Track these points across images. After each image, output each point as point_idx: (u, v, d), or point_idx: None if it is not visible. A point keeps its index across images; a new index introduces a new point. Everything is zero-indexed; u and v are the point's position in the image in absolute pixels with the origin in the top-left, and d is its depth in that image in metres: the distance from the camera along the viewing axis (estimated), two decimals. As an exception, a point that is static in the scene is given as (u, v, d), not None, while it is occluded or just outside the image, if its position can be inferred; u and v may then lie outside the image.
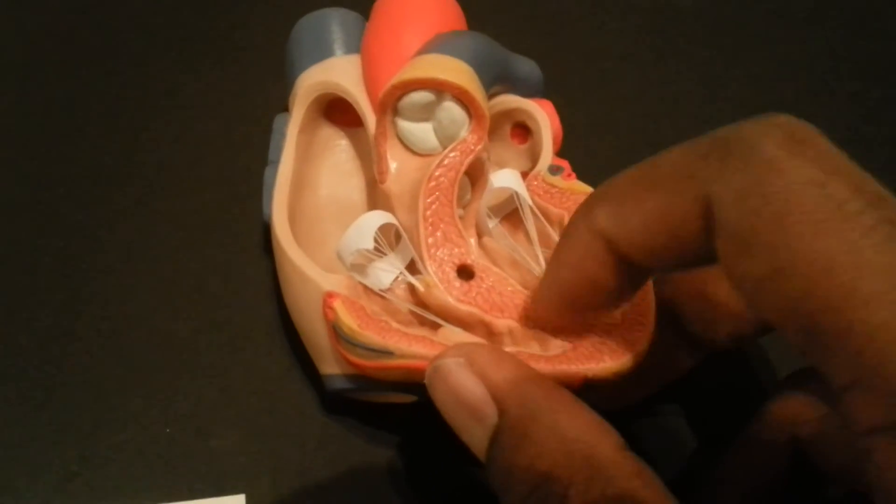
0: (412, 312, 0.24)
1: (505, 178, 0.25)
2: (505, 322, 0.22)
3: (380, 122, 0.25)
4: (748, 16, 0.38)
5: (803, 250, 0.15)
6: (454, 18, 0.27)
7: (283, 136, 0.28)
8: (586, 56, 0.36)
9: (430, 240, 0.24)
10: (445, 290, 0.23)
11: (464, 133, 0.25)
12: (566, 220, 0.25)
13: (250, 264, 0.30)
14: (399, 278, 0.24)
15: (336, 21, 0.28)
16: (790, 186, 0.15)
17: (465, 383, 0.19)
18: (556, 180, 0.26)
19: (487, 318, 0.22)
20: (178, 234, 0.31)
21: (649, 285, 0.23)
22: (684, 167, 0.17)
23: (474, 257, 0.24)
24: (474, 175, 0.26)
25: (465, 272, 0.24)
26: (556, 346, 0.22)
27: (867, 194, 0.15)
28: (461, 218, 0.25)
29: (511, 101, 0.27)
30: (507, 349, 0.22)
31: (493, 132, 0.27)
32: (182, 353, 0.28)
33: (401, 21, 0.26)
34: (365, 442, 0.27)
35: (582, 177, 0.26)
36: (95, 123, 0.34)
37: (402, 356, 0.22)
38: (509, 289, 0.23)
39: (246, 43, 0.37)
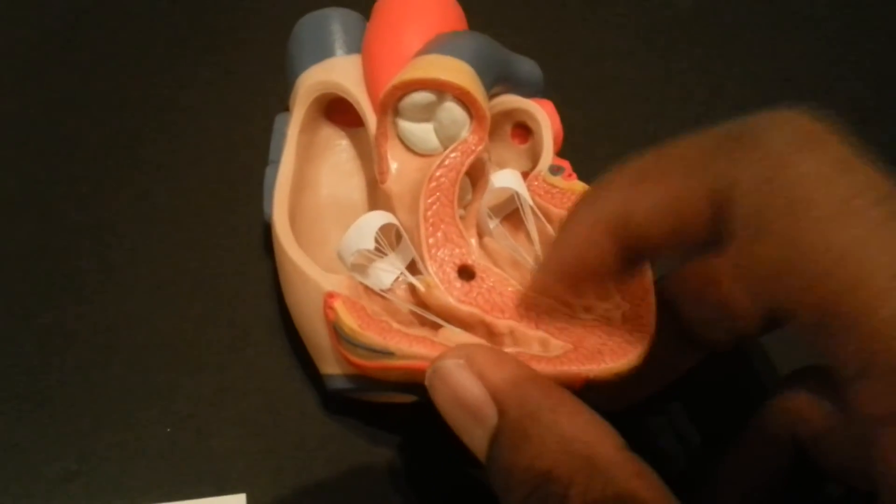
0: (413, 313, 0.24)
1: (506, 179, 0.25)
2: (506, 322, 0.22)
3: (380, 123, 0.25)
4: (748, 16, 0.38)
5: (815, 241, 0.15)
6: (455, 18, 0.27)
7: (283, 135, 0.28)
8: (587, 56, 0.36)
9: (431, 240, 0.24)
10: (446, 290, 0.23)
11: (465, 133, 0.25)
12: (567, 219, 0.25)
13: (251, 264, 0.30)
14: (400, 279, 0.24)
15: (337, 21, 0.28)
16: (801, 179, 0.16)
17: (465, 384, 0.19)
18: (557, 180, 0.26)
19: (488, 318, 0.22)
20: (178, 234, 0.31)
21: (650, 286, 0.23)
22: (697, 156, 0.18)
23: (475, 258, 0.24)
24: (475, 175, 0.26)
25: (465, 272, 0.24)
26: (557, 346, 0.22)
27: (877, 189, 0.15)
28: (462, 218, 0.25)
29: (512, 101, 0.27)
30: (508, 350, 0.22)
31: (493, 132, 0.27)
32: (182, 353, 0.28)
33: (401, 21, 0.26)
34: (365, 442, 0.27)
35: (582, 177, 0.26)
36: (96, 123, 0.34)
37: (403, 356, 0.22)
38: (510, 289, 0.23)
39: (246, 43, 0.37)
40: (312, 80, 0.27)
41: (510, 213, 0.26)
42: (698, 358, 0.24)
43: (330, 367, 0.24)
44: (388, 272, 0.24)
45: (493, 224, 0.26)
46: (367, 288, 0.24)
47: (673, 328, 0.24)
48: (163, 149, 0.33)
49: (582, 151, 0.28)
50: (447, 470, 0.26)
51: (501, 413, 0.19)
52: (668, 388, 0.25)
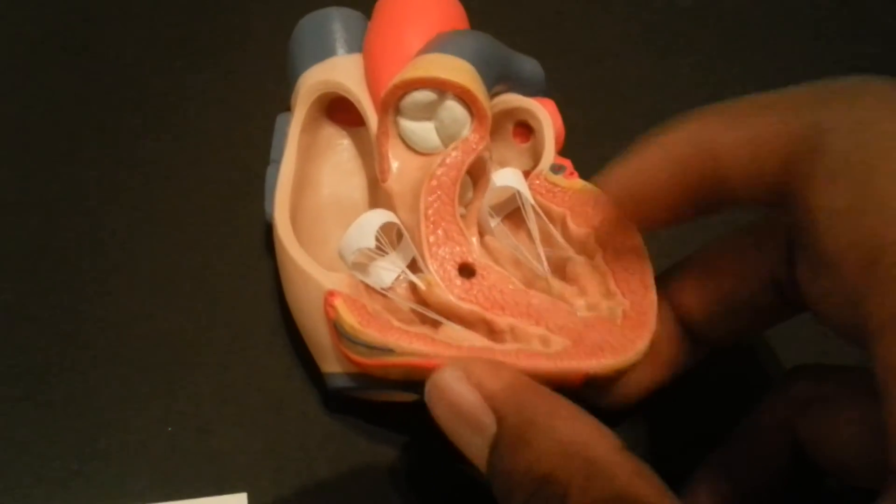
0: (413, 311, 0.24)
1: (507, 177, 0.25)
2: (506, 320, 0.22)
3: (382, 122, 0.25)
4: (748, 15, 0.38)
5: (885, 192, 0.16)
6: (456, 17, 0.27)
7: (284, 135, 0.28)
8: (588, 55, 0.36)
9: (432, 238, 0.24)
10: (447, 288, 0.23)
11: (466, 132, 0.25)
12: (568, 218, 0.25)
13: (251, 264, 0.30)
14: (400, 277, 0.24)
15: (338, 20, 0.28)
16: (885, 135, 0.16)
17: (463, 395, 0.20)
18: (559, 179, 0.26)
19: (489, 316, 0.22)
20: (178, 233, 0.31)
21: (651, 282, 0.23)
22: (790, 103, 0.18)
23: (476, 256, 0.24)
24: (476, 174, 0.26)
25: (466, 270, 0.24)
26: (558, 343, 0.22)
27: None
28: (463, 217, 0.25)
29: (513, 100, 0.27)
30: (509, 347, 0.22)
31: (495, 131, 0.27)
32: (183, 352, 0.28)
33: (403, 20, 0.26)
34: (366, 440, 0.27)
35: (584, 175, 0.26)
36: (96, 123, 0.34)
37: (403, 354, 0.22)
38: (510, 287, 0.23)
39: (248, 42, 0.37)
40: (314, 80, 0.27)
41: (511, 211, 0.26)
42: (698, 355, 0.24)
43: (331, 365, 0.24)
44: (388, 270, 0.24)
45: (494, 223, 0.26)
46: (367, 286, 0.24)
47: (673, 325, 0.24)
48: (163, 149, 0.33)
49: (583, 150, 0.28)
50: (447, 469, 0.26)
51: (500, 421, 0.19)
52: (668, 387, 0.25)
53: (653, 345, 0.22)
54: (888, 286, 0.16)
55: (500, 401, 0.19)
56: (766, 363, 0.28)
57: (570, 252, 0.24)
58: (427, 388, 0.20)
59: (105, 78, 0.35)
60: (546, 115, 0.27)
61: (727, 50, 0.37)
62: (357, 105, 0.26)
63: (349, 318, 0.22)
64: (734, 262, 0.23)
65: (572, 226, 0.25)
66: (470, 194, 0.26)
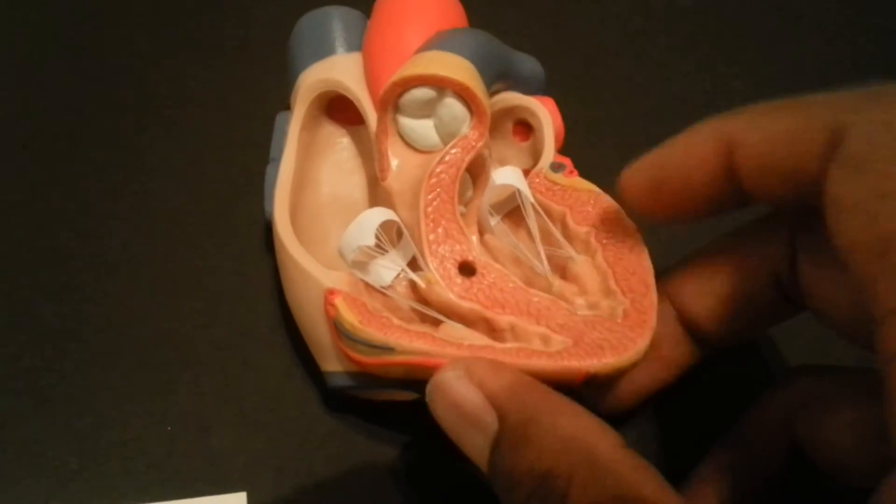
0: (414, 309, 0.24)
1: (507, 176, 0.25)
2: (507, 318, 0.22)
3: (381, 119, 0.25)
4: (748, 15, 0.38)
5: None
6: (455, 16, 0.27)
7: (284, 133, 0.28)
8: (588, 54, 0.36)
9: (432, 236, 0.24)
10: (447, 286, 0.23)
11: (465, 129, 0.25)
12: (568, 217, 0.25)
13: (251, 262, 0.30)
14: (400, 275, 0.24)
15: (337, 19, 0.28)
16: None
17: (465, 394, 0.20)
18: (558, 177, 0.26)
19: (489, 314, 0.22)
20: (178, 232, 0.31)
21: (651, 282, 0.23)
22: (818, 102, 0.19)
23: (476, 254, 0.24)
24: (475, 172, 0.26)
25: (466, 269, 0.24)
26: (558, 342, 0.22)
27: None
28: (463, 215, 0.25)
29: (513, 98, 0.27)
30: (509, 345, 0.22)
31: (494, 130, 0.27)
32: (183, 352, 0.28)
33: (402, 19, 0.26)
34: (366, 440, 0.27)
35: (584, 174, 0.26)
36: (96, 122, 0.34)
37: (403, 352, 0.22)
38: (511, 285, 0.23)
39: (247, 41, 0.37)
40: (313, 78, 0.27)
41: (511, 210, 0.26)
42: (699, 356, 0.24)
43: (330, 364, 0.24)
44: (388, 269, 0.24)
45: (494, 221, 0.26)
46: (367, 285, 0.24)
47: (675, 325, 0.24)
48: (163, 148, 0.33)
49: (583, 149, 0.28)
50: (447, 469, 0.26)
51: (502, 419, 0.19)
52: (668, 390, 0.25)
53: (654, 346, 0.22)
54: None
55: (502, 399, 0.19)
56: (767, 363, 0.28)
57: (571, 251, 0.24)
58: (428, 388, 0.20)
59: (105, 78, 0.35)
60: (546, 114, 0.27)
61: (727, 50, 0.37)
62: (356, 103, 0.26)
63: (349, 317, 0.22)
64: (736, 262, 0.23)
65: (572, 224, 0.25)
66: (470, 193, 0.26)
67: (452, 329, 0.22)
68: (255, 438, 0.27)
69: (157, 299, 0.29)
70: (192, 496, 0.26)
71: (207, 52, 0.36)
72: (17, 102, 0.35)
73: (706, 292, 0.23)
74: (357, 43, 0.28)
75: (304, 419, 0.27)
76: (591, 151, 0.27)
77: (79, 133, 0.34)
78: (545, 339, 0.22)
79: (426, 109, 0.25)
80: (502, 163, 0.28)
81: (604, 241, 0.24)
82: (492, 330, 0.23)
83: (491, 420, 0.19)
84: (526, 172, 0.26)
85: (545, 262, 0.24)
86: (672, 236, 0.26)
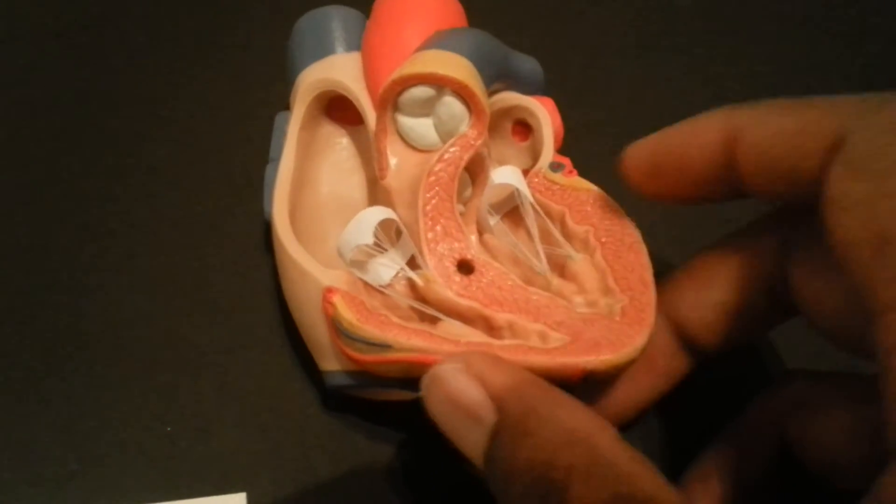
0: (412, 308, 0.24)
1: (506, 175, 0.25)
2: (505, 316, 0.22)
3: (380, 118, 0.25)
4: (748, 15, 0.38)
5: None
6: (455, 15, 0.27)
7: (283, 133, 0.28)
8: (587, 54, 0.36)
9: (430, 234, 0.24)
10: (445, 284, 0.23)
11: (464, 128, 0.25)
12: (567, 216, 0.25)
13: (251, 263, 0.30)
14: (399, 274, 0.24)
15: (337, 18, 0.28)
16: None
17: (464, 387, 0.20)
18: (557, 177, 0.26)
19: (487, 312, 0.22)
20: (178, 232, 0.31)
21: (650, 280, 0.23)
22: (822, 104, 0.19)
23: (474, 252, 0.24)
24: (475, 171, 0.26)
25: (464, 267, 0.24)
26: (556, 339, 0.21)
27: None
28: (462, 215, 0.25)
29: (512, 98, 0.27)
30: (507, 342, 0.22)
31: (494, 129, 0.27)
32: (182, 352, 0.28)
33: (401, 18, 0.26)
34: (366, 440, 0.26)
35: (583, 174, 0.26)
36: (96, 122, 0.34)
37: (401, 350, 0.21)
38: (509, 283, 0.23)
39: (247, 41, 0.37)
40: (313, 78, 0.27)
41: (510, 210, 0.26)
42: (693, 365, 0.24)
43: (329, 363, 0.24)
44: (387, 267, 0.24)
45: (493, 221, 0.26)
46: (366, 283, 0.24)
47: (669, 336, 0.24)
48: (163, 148, 0.33)
49: (582, 149, 0.28)
50: (447, 468, 0.26)
51: (501, 412, 0.19)
52: (663, 400, 0.25)
53: (649, 359, 0.22)
54: (895, 270, 0.16)
55: (502, 393, 0.19)
56: (762, 367, 0.28)
57: (569, 249, 0.24)
58: (425, 380, 0.20)
59: (105, 78, 0.35)
60: (545, 114, 0.27)
61: (727, 50, 0.37)
62: (356, 103, 0.27)
63: (347, 315, 0.22)
64: (728, 271, 0.23)
65: (571, 223, 0.25)
66: (469, 192, 0.26)
67: (451, 327, 0.22)
68: (255, 438, 0.27)
69: (156, 300, 0.29)
70: (192, 496, 0.26)
71: (207, 51, 0.36)
72: (17, 102, 0.35)
73: (700, 303, 0.23)
74: (356, 42, 0.28)
75: (304, 419, 0.27)
76: (591, 151, 0.27)
77: (79, 133, 0.34)
78: (543, 337, 0.22)
79: (425, 108, 0.25)
80: (501, 162, 0.28)
81: (603, 239, 0.24)
82: (490, 328, 0.22)
83: (489, 414, 0.19)
84: (525, 172, 0.26)
85: (544, 261, 0.24)
86: (671, 236, 0.26)
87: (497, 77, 0.26)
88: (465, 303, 0.23)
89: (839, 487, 0.21)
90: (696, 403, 0.26)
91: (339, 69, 0.27)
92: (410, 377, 0.22)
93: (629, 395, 0.24)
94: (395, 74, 0.24)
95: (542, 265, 0.24)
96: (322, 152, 0.29)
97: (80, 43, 0.37)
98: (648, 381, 0.24)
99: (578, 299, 0.23)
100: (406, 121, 0.25)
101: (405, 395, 0.24)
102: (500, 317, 0.22)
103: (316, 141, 0.29)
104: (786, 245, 0.22)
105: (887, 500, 0.15)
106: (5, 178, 0.32)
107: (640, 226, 0.24)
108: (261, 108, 0.33)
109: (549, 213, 0.25)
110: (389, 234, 0.25)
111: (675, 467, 0.24)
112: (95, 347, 0.28)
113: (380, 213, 0.24)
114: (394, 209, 0.25)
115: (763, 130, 0.20)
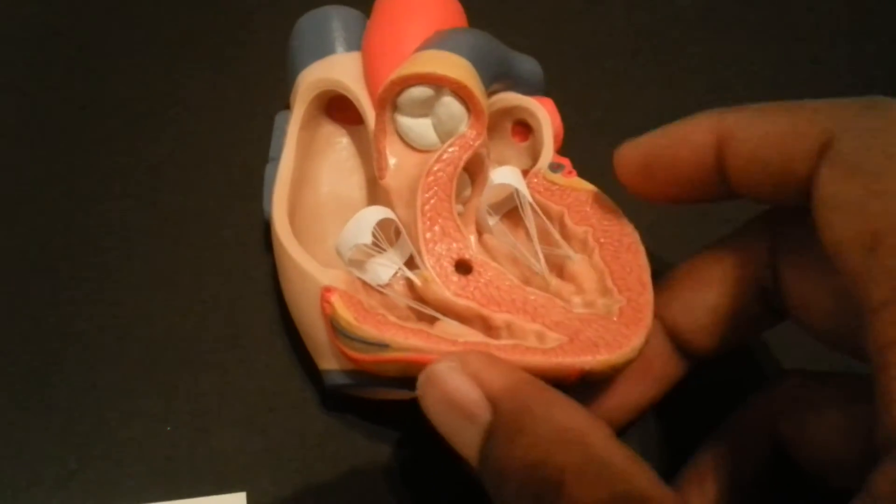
0: (410, 307, 0.24)
1: (505, 175, 0.25)
2: (502, 316, 0.22)
3: (379, 118, 0.25)
4: (748, 15, 0.38)
5: (890, 188, 0.17)
6: (455, 16, 0.27)
7: (283, 133, 0.28)
8: (587, 54, 0.36)
9: (428, 234, 0.24)
10: (443, 284, 0.23)
11: (463, 128, 0.25)
12: (566, 216, 0.25)
13: (250, 262, 0.30)
14: (397, 273, 0.24)
15: (337, 18, 0.28)
16: (893, 143, 0.17)
17: (459, 386, 0.20)
18: (557, 178, 0.26)
19: (485, 312, 0.22)
20: (177, 232, 0.31)
21: (648, 280, 0.23)
22: (811, 107, 0.19)
23: (472, 252, 0.24)
24: (474, 171, 0.26)
25: (463, 267, 0.24)
26: (554, 339, 0.21)
27: None
28: (461, 215, 0.25)
29: (512, 98, 0.27)
30: (504, 342, 0.22)
31: (493, 130, 0.27)
32: (182, 351, 0.28)
33: (402, 18, 0.26)
34: (366, 439, 0.27)
35: (583, 174, 0.26)
36: (95, 122, 0.34)
37: (399, 349, 0.21)
38: (507, 283, 0.23)
39: (247, 41, 0.37)
40: (313, 78, 0.28)
41: (510, 210, 0.26)
42: (686, 369, 0.24)
43: (328, 362, 0.24)
44: (385, 267, 0.24)
45: (492, 221, 0.26)
46: (364, 283, 0.24)
47: (662, 341, 0.24)
48: (163, 147, 0.33)
49: (582, 149, 0.28)
50: (447, 468, 0.26)
51: (496, 410, 0.19)
52: (657, 405, 0.25)
53: (645, 364, 0.22)
54: (887, 267, 0.16)
55: (497, 391, 0.19)
56: (758, 368, 0.28)
57: (568, 250, 0.24)
58: (420, 379, 0.20)
59: (105, 78, 0.35)
60: (545, 114, 0.27)
61: (727, 50, 0.37)
62: (355, 103, 0.27)
63: (345, 314, 0.22)
64: (720, 275, 0.23)
65: (570, 224, 0.25)
66: (468, 192, 0.26)
67: (448, 326, 0.22)
68: (255, 438, 0.27)
69: (155, 299, 0.29)
70: (192, 496, 0.26)
71: (207, 51, 0.36)
72: (17, 102, 0.35)
73: (694, 308, 0.23)
74: (356, 42, 0.28)
75: (304, 419, 0.27)
76: (591, 152, 0.27)
77: (79, 133, 0.34)
78: (540, 337, 0.22)
79: (424, 108, 0.25)
80: (501, 163, 0.28)
81: (601, 240, 0.24)
82: (488, 328, 0.22)
83: (484, 412, 0.19)
84: (525, 173, 0.26)
85: (542, 261, 0.24)
86: (670, 237, 0.26)
87: (496, 77, 0.26)
88: (462, 302, 0.23)
89: (832, 486, 0.21)
90: (691, 404, 0.26)
91: (340, 69, 0.27)
92: (408, 376, 0.22)
93: (625, 398, 0.24)
94: (395, 74, 0.24)
95: (540, 265, 0.24)
96: (322, 152, 0.29)
97: (80, 43, 0.37)
98: (644, 385, 0.24)
99: (576, 300, 0.23)
100: (405, 121, 0.25)
101: (404, 394, 0.24)
102: (498, 317, 0.22)
103: (316, 141, 0.29)
104: (776, 247, 0.22)
105: (880, 495, 0.15)
106: (5, 178, 0.33)
107: (639, 226, 0.24)
108: (261, 107, 0.33)
109: (548, 214, 0.25)
110: (388, 233, 0.25)
111: (670, 468, 0.24)
112: (95, 347, 0.28)
113: (379, 212, 0.24)
114: (393, 209, 0.25)
115: (752, 133, 0.20)
